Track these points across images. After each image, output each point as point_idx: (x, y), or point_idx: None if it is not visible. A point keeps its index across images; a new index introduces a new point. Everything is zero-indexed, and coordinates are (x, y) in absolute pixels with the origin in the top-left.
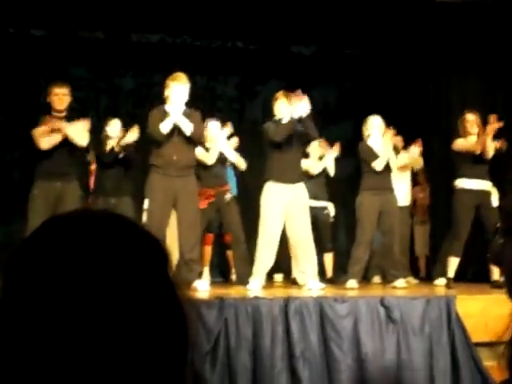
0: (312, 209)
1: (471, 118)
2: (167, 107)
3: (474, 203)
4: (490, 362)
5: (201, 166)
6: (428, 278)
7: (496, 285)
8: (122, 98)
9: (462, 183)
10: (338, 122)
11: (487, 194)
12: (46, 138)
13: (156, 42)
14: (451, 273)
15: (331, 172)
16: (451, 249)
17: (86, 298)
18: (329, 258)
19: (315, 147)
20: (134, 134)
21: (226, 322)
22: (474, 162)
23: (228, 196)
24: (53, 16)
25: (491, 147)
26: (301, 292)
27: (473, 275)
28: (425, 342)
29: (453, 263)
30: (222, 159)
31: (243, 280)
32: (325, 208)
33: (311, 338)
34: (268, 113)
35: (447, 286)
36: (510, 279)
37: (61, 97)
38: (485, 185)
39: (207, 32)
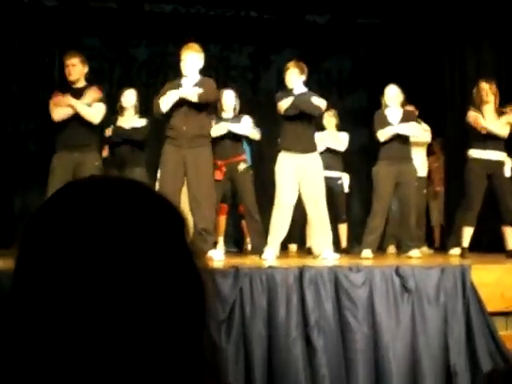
0: (326, 179)
1: (486, 87)
2: (182, 80)
3: (486, 173)
4: (504, 332)
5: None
6: (443, 248)
7: (511, 254)
8: (136, 68)
9: (474, 153)
10: (352, 91)
11: (500, 164)
12: (57, 110)
13: (169, 11)
14: (466, 243)
15: (341, 147)
16: (465, 219)
17: (103, 263)
18: (343, 229)
19: (330, 119)
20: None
21: (241, 291)
22: (487, 133)
23: (242, 166)
24: None
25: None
26: (315, 262)
27: (487, 245)
28: (440, 311)
29: (467, 233)
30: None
31: (258, 250)
32: (339, 179)
33: (326, 307)
34: (282, 82)
35: (462, 255)
36: None
37: (71, 68)
38: (498, 155)
39: (221, 1)
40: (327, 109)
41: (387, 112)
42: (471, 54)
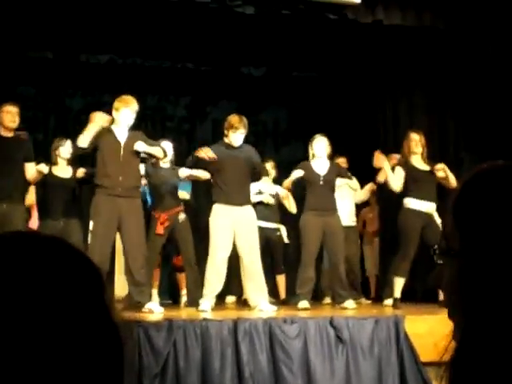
0: (264, 230)
1: (416, 138)
2: (113, 127)
3: (420, 224)
4: (439, 382)
5: (153, 189)
6: (378, 299)
7: (443, 304)
8: (71, 117)
9: (409, 203)
10: (288, 143)
11: (431, 215)
12: None
13: (105, 62)
14: (397, 293)
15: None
16: (397, 269)
17: (19, 320)
18: (282, 280)
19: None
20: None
21: (175, 344)
22: (420, 183)
23: (181, 216)
24: (1, 36)
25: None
26: (251, 314)
27: (422, 295)
28: (374, 361)
29: (398, 283)
30: (168, 183)
31: (195, 302)
32: (277, 230)
33: (260, 358)
34: (217, 133)
35: (394, 306)
36: (448, 300)
37: (14, 115)
38: (429, 206)
39: (157, 53)
40: (266, 161)
41: (314, 163)
42: (403, 105)
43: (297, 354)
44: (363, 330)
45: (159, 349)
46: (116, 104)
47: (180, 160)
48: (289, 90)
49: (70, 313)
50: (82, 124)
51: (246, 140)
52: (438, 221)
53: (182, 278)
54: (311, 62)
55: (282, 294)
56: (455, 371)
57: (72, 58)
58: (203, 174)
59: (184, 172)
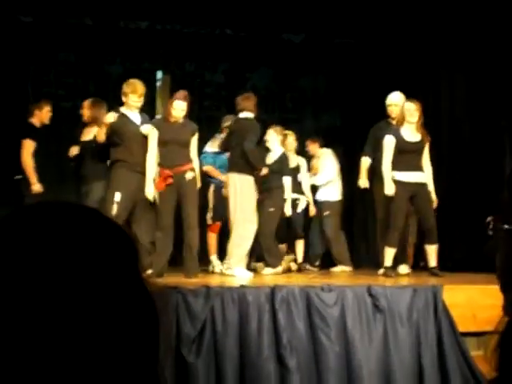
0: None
1: (411, 107)
2: (125, 111)
3: (407, 194)
4: (476, 352)
5: (159, 144)
6: (417, 267)
7: (433, 272)
8: (111, 84)
9: (395, 175)
10: (326, 110)
11: (421, 184)
12: None
13: (145, 28)
14: (388, 262)
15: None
16: (387, 239)
17: (52, 291)
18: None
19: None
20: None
21: (213, 310)
22: (406, 154)
23: (189, 175)
24: (41, 2)
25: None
26: (289, 281)
27: (461, 264)
28: (412, 331)
29: (389, 253)
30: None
31: (192, 271)
32: (296, 199)
33: (298, 326)
34: (256, 99)
35: (384, 274)
36: (501, 272)
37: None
38: (417, 176)
39: (196, 19)
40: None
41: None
42: (445, 76)
43: (334, 321)
44: (401, 299)
45: (197, 314)
46: (124, 88)
47: (218, 125)
48: (328, 58)
49: (107, 282)
50: (120, 90)
51: (284, 106)
52: (431, 187)
53: (212, 240)
54: (350, 30)
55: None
56: (507, 345)
57: (111, 24)
58: None
59: None
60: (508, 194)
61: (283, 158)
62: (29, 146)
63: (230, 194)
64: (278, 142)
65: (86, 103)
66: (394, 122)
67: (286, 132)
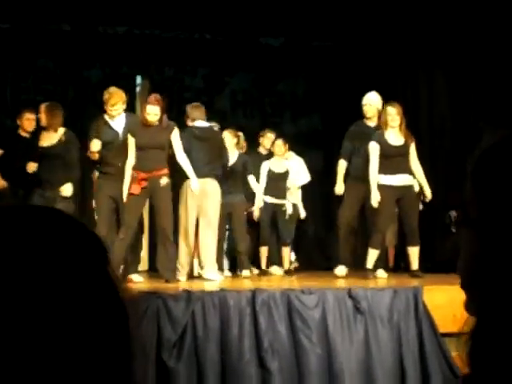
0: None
1: (392, 112)
2: (107, 118)
3: (393, 198)
4: (457, 352)
5: (136, 149)
6: (397, 269)
7: (414, 274)
8: (90, 89)
9: (380, 179)
10: (305, 114)
11: (407, 186)
12: None
13: (123, 33)
14: (370, 264)
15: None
16: (371, 241)
17: (21, 294)
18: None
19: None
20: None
21: (194, 314)
22: (391, 158)
23: (164, 181)
24: (19, 9)
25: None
26: (269, 285)
27: (441, 265)
28: (393, 332)
29: (371, 255)
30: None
31: (170, 277)
32: (282, 205)
33: (279, 329)
34: (236, 104)
35: (369, 276)
36: (463, 270)
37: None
38: (402, 178)
39: (175, 23)
40: (278, 136)
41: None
42: (423, 78)
43: (315, 323)
44: (382, 300)
45: (178, 318)
46: (104, 96)
47: None
48: (307, 61)
49: (73, 285)
50: (100, 96)
51: (263, 110)
52: (417, 189)
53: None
54: (329, 32)
55: (286, 264)
56: (475, 344)
57: (89, 29)
58: None
59: None
60: (471, 186)
61: (245, 160)
62: None
63: (197, 198)
64: (231, 144)
65: (43, 107)
66: (368, 123)
67: (239, 134)
